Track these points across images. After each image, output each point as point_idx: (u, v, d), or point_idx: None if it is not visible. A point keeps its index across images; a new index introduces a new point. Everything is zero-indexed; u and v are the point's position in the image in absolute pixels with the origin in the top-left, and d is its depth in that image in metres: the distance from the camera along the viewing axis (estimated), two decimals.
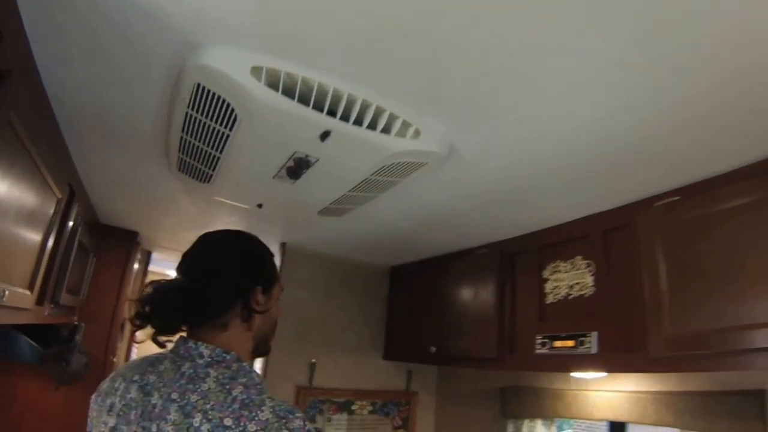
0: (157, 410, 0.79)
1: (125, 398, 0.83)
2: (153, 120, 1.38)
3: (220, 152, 1.36)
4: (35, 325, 2.20)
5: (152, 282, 0.92)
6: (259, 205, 1.74)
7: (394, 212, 1.94)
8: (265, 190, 1.59)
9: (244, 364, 0.89)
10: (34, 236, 1.54)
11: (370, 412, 2.75)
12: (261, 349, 1.02)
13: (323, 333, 2.68)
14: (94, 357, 2.48)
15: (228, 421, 0.75)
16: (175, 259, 1.19)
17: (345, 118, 1.16)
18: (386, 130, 1.21)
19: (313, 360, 2.59)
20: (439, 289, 2.42)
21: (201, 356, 0.85)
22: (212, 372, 0.83)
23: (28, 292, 1.54)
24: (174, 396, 0.80)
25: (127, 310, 1.33)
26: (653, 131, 1.17)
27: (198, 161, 1.46)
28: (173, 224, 2.52)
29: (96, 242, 2.55)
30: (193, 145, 1.37)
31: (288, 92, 1.08)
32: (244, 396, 0.79)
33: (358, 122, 1.17)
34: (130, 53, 1.06)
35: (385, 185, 1.53)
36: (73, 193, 1.94)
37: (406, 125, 1.22)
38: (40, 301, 1.78)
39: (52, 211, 1.65)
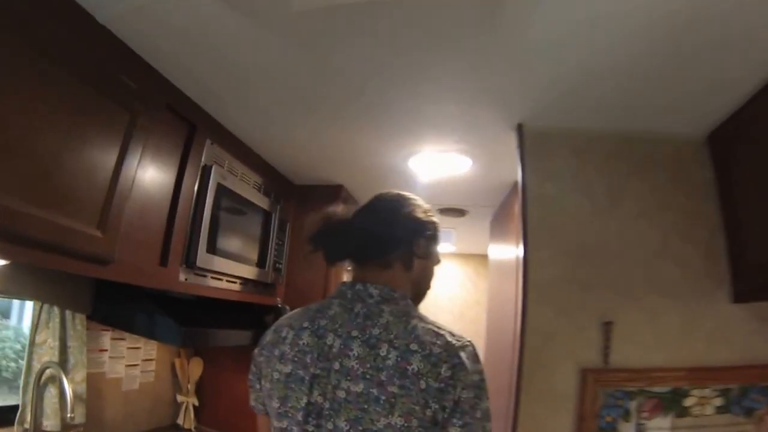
0: (335, 349, 0.85)
1: (297, 345, 0.89)
2: None
3: None
4: (232, 307, 1.88)
5: (324, 218, 0.99)
6: None
7: None
8: None
9: (410, 301, 0.94)
10: (99, 165, 1.20)
11: (719, 410, 1.42)
12: (415, 301, 1.00)
13: (617, 266, 1.50)
14: None
15: (414, 346, 0.82)
16: None
17: None
18: None
19: (608, 318, 1.45)
20: None
21: (371, 296, 0.91)
22: (385, 308, 0.89)
23: (97, 233, 1.17)
24: (354, 333, 0.86)
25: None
26: None
27: None
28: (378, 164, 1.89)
29: (293, 208, 2.16)
30: None
31: None
32: (423, 325, 0.87)
33: None
34: None
35: None
36: (193, 128, 1.51)
37: None
38: (163, 261, 1.36)
39: (122, 131, 1.24)
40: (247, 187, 1.82)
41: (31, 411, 1.42)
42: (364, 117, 1.61)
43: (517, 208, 1.97)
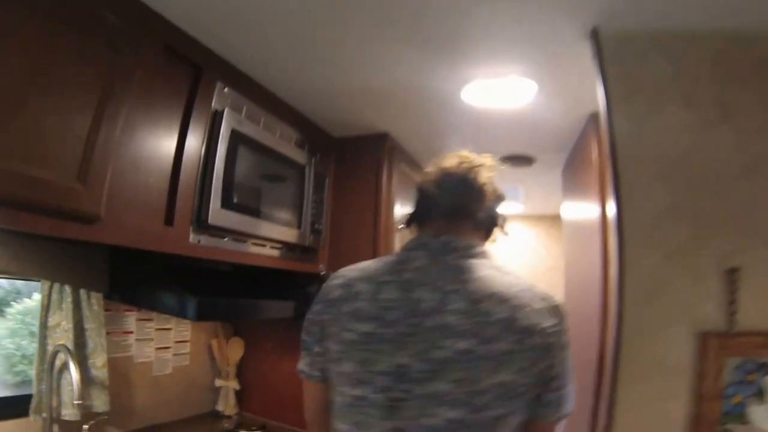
0: (428, 305, 0.78)
1: (379, 300, 0.81)
2: None
3: None
4: (273, 278, 1.71)
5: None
6: None
7: None
8: None
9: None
10: (75, 109, 1.01)
11: None
12: None
13: (738, 195, 1.11)
14: None
15: (517, 302, 0.77)
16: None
17: None
18: None
19: (732, 264, 1.08)
20: None
21: (457, 249, 0.85)
22: (478, 261, 0.84)
23: (78, 185, 0.99)
24: (451, 287, 0.79)
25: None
26: None
27: None
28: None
29: (333, 163, 1.93)
30: None
31: None
32: (518, 281, 0.82)
33: None
34: None
35: None
36: (199, 70, 1.30)
37: None
38: (169, 220, 1.17)
39: (104, 74, 1.06)
40: (273, 136, 1.58)
41: (47, 399, 1.29)
42: (401, 38, 1.32)
43: (594, 151, 1.62)
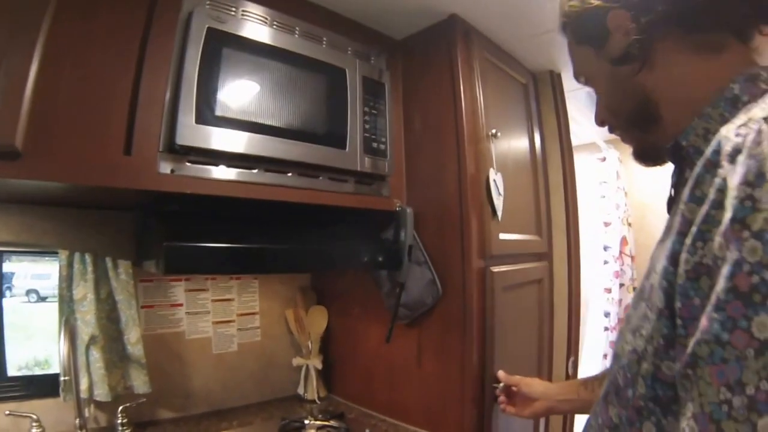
0: None
1: None
2: None
3: None
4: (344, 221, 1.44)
5: None
6: None
7: None
8: None
9: None
10: None
11: None
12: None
13: None
14: (444, 265, 1.32)
15: None
16: None
17: None
18: None
19: None
20: None
21: None
22: None
23: None
24: None
25: None
26: None
27: None
28: None
29: (399, 69, 1.50)
30: None
31: None
32: None
33: None
34: None
35: None
36: None
37: None
38: (128, 149, 0.94)
39: None
40: (289, 37, 1.22)
41: (74, 378, 1.17)
42: None
43: None
